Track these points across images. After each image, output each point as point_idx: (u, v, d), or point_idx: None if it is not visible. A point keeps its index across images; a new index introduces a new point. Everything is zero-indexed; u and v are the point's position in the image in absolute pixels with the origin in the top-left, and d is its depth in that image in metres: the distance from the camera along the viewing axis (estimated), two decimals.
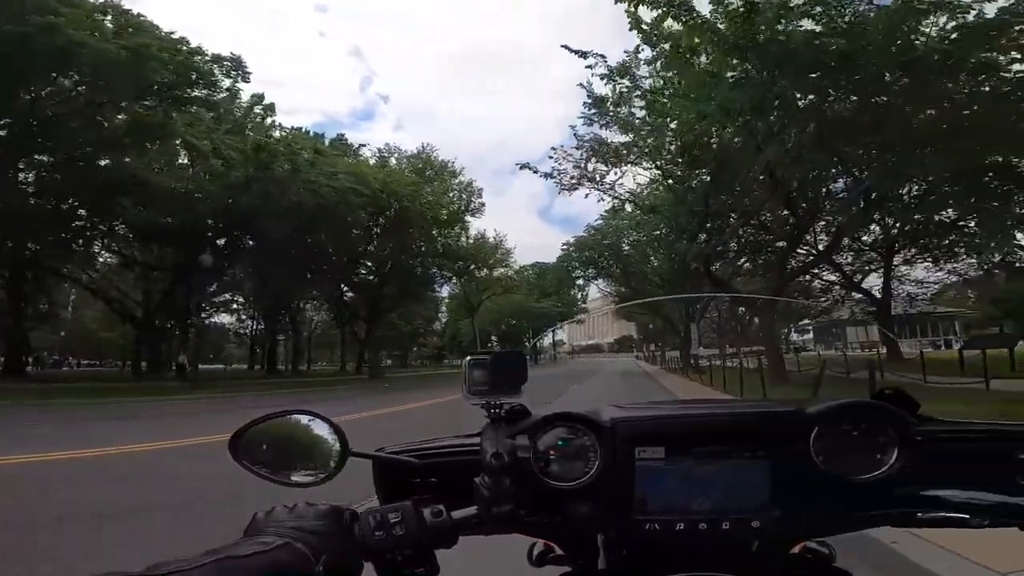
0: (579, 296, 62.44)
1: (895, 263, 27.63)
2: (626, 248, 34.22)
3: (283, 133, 28.06)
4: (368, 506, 0.70)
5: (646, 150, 18.67)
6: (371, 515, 0.68)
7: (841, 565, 0.86)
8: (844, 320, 38.36)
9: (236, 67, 24.72)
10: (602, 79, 14.61)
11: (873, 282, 28.89)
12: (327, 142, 31.56)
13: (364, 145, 34.63)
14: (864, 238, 24.88)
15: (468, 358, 0.87)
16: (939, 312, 43.81)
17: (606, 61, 13.84)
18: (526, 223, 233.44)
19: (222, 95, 24.48)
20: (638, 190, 22.62)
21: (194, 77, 21.40)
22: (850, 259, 26.60)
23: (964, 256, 26.05)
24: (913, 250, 26.58)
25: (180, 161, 27.49)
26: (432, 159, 32.86)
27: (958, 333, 46.10)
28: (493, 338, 75.84)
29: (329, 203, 24.19)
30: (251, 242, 29.41)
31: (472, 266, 38.71)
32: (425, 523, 0.69)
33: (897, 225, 24.25)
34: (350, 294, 36.49)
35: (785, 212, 18.47)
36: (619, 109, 17.42)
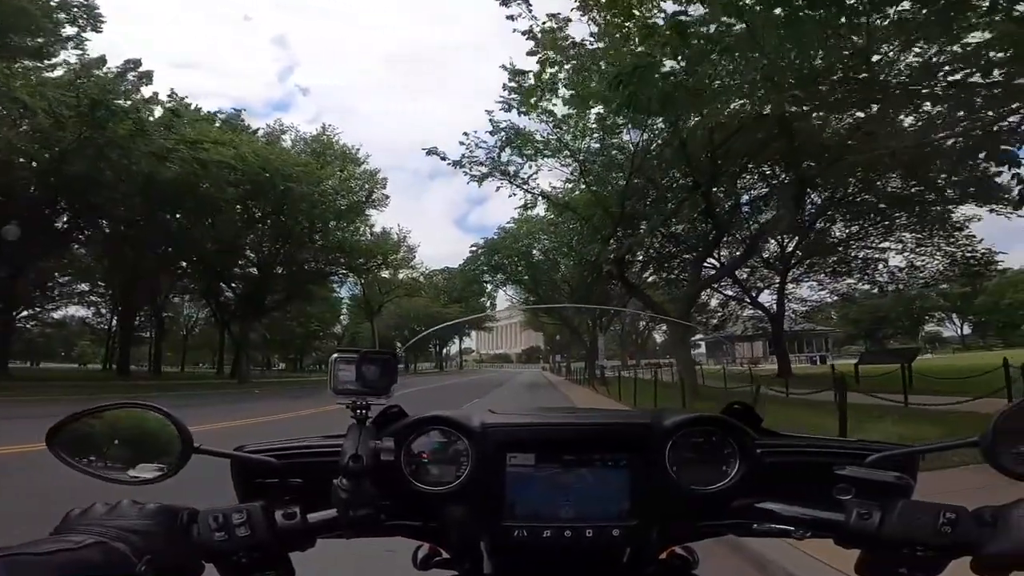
0: (487, 304, 61.23)
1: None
2: (536, 254, 33.06)
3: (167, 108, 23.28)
4: (210, 507, 0.66)
5: (566, 139, 17.45)
6: (211, 515, 0.64)
7: (707, 568, 0.87)
8: (736, 336, 40.10)
9: (87, 14, 20.57)
10: (530, 55, 12.89)
11: (763, 299, 30.17)
12: (218, 121, 26.86)
13: (263, 128, 30.26)
14: (763, 255, 25.53)
15: (335, 355, 0.79)
16: (818, 330, 47.68)
17: (531, 10, 11.91)
18: (442, 231, 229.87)
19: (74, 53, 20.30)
20: (553, 191, 21.33)
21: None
22: (745, 275, 27.29)
23: (845, 276, 28.23)
24: (801, 269, 28.03)
25: None
26: (332, 142, 29.04)
27: (829, 349, 50.60)
28: (398, 344, 72.63)
29: (189, 177, 20.46)
30: (101, 221, 24.45)
31: (372, 264, 35.36)
32: (275, 525, 0.67)
33: (792, 242, 25.34)
34: (228, 289, 31.55)
35: (701, 217, 18.00)
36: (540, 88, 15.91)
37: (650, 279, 26.51)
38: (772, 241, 24.51)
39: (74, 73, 20.08)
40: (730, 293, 30.54)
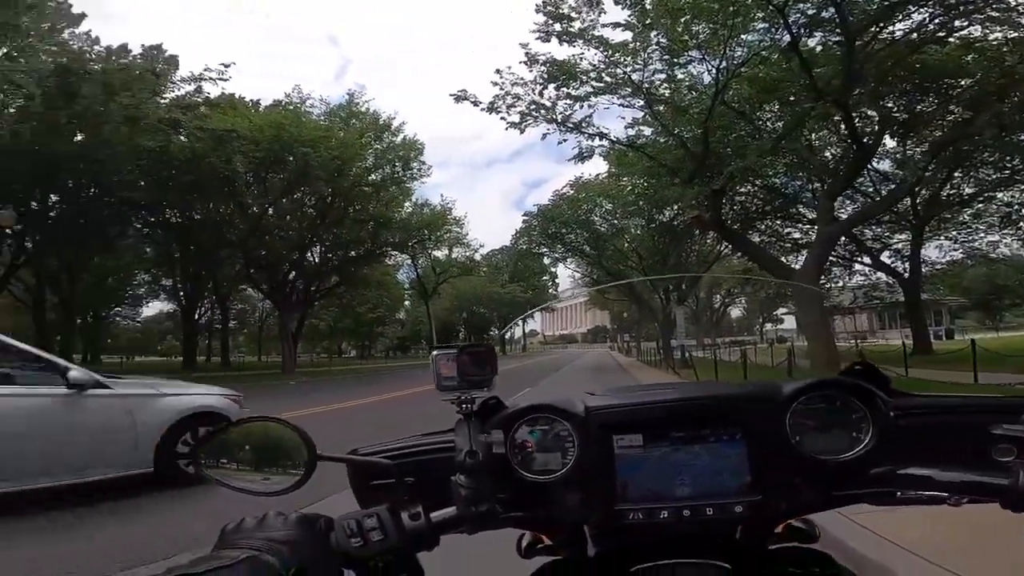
0: (549, 282, 58.07)
1: (903, 241, 23.49)
2: (597, 221, 29.25)
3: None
4: (344, 513, 0.68)
5: (628, 69, 13.83)
6: (346, 522, 0.66)
7: (823, 543, 0.84)
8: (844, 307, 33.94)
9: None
10: None
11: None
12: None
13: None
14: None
15: (435, 352, 0.83)
16: (946, 300, 40.13)
17: None
18: (500, 217, 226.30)
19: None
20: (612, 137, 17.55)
21: None
22: (869, 234, 22.34)
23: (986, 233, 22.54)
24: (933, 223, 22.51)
25: None
26: (360, 108, 26.30)
27: (952, 321, 42.98)
28: (459, 328, 71.14)
29: (193, 147, 18.70)
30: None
31: (416, 239, 32.85)
32: (403, 527, 0.67)
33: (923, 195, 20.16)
34: (261, 275, 30.02)
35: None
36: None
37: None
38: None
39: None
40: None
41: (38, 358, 4.57)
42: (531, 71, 14.84)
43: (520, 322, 69.77)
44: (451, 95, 16.10)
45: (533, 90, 15.24)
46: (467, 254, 41.71)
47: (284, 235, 26.92)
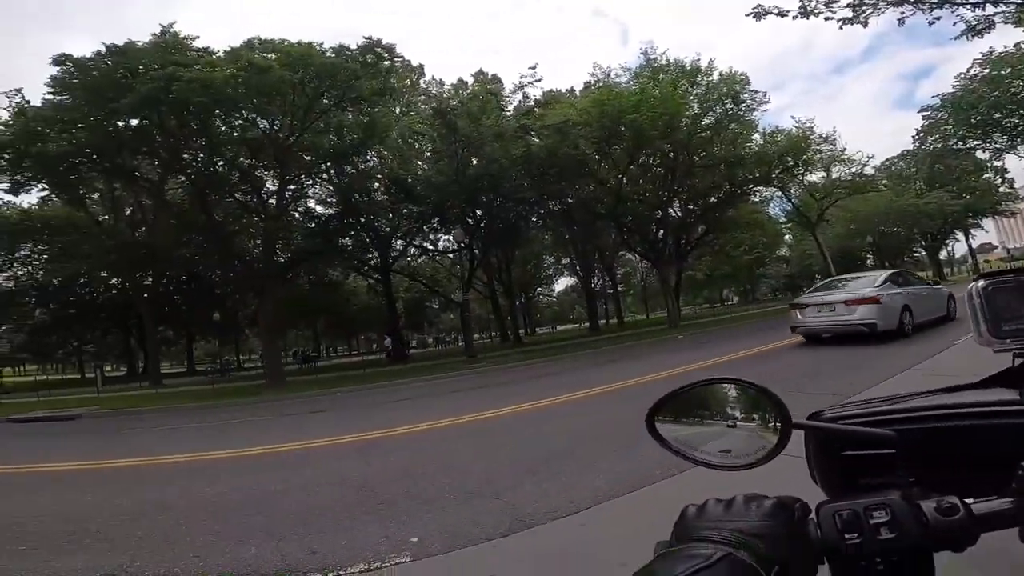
0: (995, 178, 41.56)
1: None
2: None
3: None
4: (827, 501, 0.56)
5: None
6: (836, 512, 0.54)
7: None
8: None
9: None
10: None
11: None
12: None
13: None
14: None
15: (980, 282, 0.63)
16: None
17: None
18: (880, 122, 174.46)
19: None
20: None
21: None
22: None
23: None
24: None
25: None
26: (660, 63, 25.08)
27: None
28: (866, 254, 58.73)
29: (543, 147, 21.78)
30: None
31: (782, 170, 28.99)
32: (926, 521, 0.52)
33: None
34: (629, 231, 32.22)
35: None
36: None
37: None
38: None
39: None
40: None
41: (924, 281, 13.00)
42: None
43: (960, 235, 52.26)
44: (747, 15, 13.79)
45: None
46: (852, 170, 34.39)
47: (642, 198, 28.52)
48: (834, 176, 34.65)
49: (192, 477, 5.93)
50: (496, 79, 29.85)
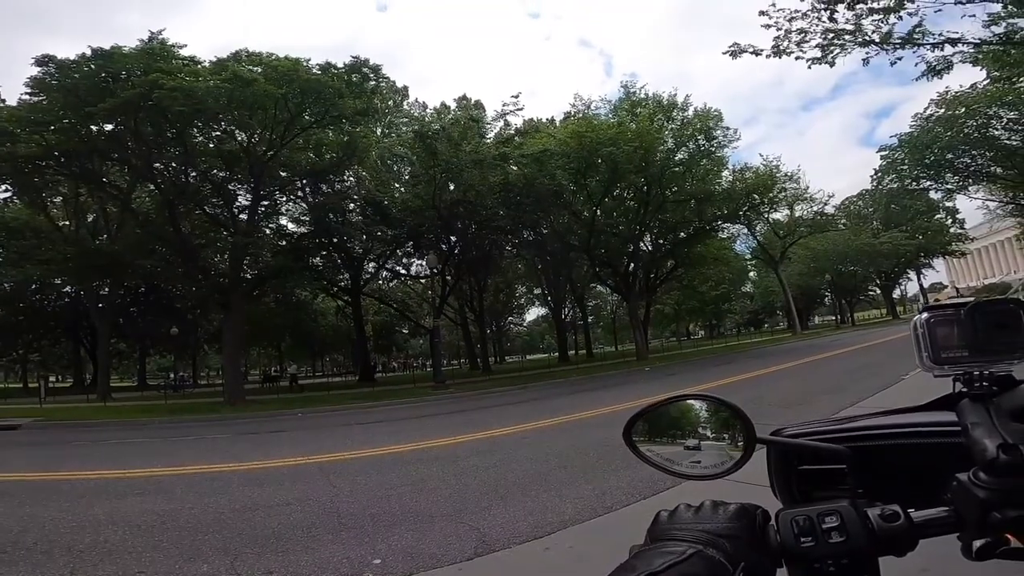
0: (946, 219, 44.12)
1: None
2: (1001, 135, 21.37)
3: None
4: (784, 508, 0.62)
5: None
6: (792, 517, 0.59)
7: None
8: None
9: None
10: None
11: None
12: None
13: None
14: None
15: (924, 314, 0.68)
16: None
17: None
18: (843, 158, 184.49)
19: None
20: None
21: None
22: None
23: None
24: None
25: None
26: (639, 96, 26.23)
27: None
28: (824, 291, 61.09)
29: (521, 176, 22.12)
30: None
31: (748, 207, 30.19)
32: (872, 527, 0.57)
33: None
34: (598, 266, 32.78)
35: None
36: None
37: None
38: None
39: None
40: None
41: None
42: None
43: (912, 274, 54.95)
44: (724, 52, 14.62)
45: (818, 17, 12.46)
46: (814, 209, 36.04)
47: (615, 231, 29.10)
48: (797, 214, 36.17)
49: (143, 493, 5.68)
50: (479, 105, 30.43)
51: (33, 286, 34.36)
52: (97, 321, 29.32)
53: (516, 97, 27.07)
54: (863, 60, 13.58)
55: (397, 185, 27.35)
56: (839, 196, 48.17)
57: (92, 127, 17.99)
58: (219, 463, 7.37)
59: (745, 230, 38.64)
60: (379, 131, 27.17)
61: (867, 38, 12.76)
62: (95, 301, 29.39)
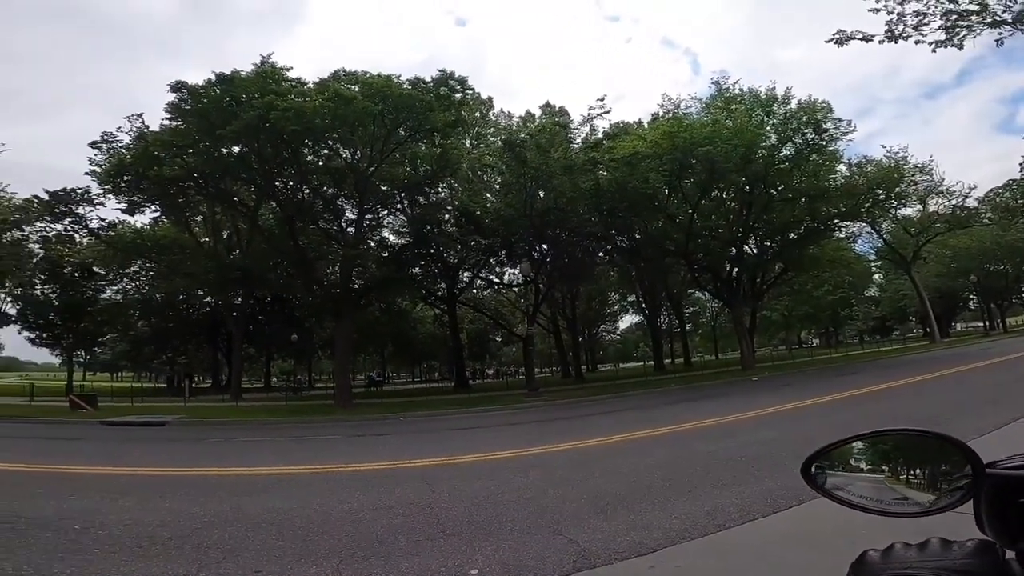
0: None
1: None
2: None
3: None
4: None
5: None
6: None
7: None
8: None
9: None
10: None
11: None
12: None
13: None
14: None
15: None
16: None
17: None
18: (982, 151, 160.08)
19: None
20: None
21: None
22: None
23: None
24: None
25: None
26: (732, 92, 24.29)
27: None
28: (968, 294, 53.33)
29: (612, 181, 21.60)
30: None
31: (871, 204, 27.01)
32: None
33: None
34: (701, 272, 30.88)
35: None
36: None
37: None
38: None
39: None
40: None
41: None
42: None
43: None
44: (828, 41, 13.27)
45: None
46: (952, 203, 31.61)
47: (715, 234, 27.46)
48: (931, 209, 31.96)
49: (265, 490, 6.15)
50: (563, 111, 30.26)
51: (180, 296, 39.46)
52: (232, 328, 32.87)
53: (602, 100, 26.62)
54: (996, 41, 11.89)
55: (488, 195, 27.90)
56: (982, 188, 41.81)
57: (223, 149, 19.97)
58: (330, 464, 7.82)
59: (868, 228, 34.75)
60: (468, 143, 27.91)
61: (998, 18, 11.04)
62: (230, 310, 33.02)
